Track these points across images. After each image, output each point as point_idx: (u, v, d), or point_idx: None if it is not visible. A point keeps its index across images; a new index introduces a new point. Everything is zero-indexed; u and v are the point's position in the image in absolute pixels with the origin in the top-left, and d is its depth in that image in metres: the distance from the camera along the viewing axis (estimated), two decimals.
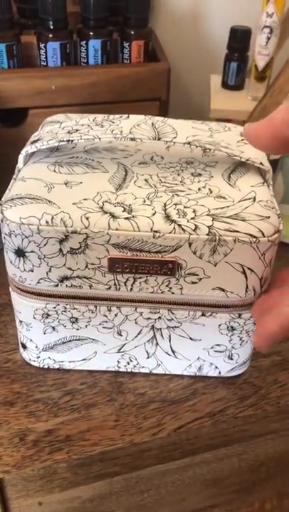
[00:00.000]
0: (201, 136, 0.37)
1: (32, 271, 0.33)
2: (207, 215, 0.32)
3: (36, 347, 0.39)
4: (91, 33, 0.54)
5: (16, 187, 0.34)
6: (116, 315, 0.36)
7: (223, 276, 0.33)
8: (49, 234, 0.31)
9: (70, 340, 0.38)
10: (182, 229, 0.31)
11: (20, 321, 0.38)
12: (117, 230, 0.31)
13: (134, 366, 0.40)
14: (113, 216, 0.31)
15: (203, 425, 0.39)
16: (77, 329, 0.37)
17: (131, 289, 0.34)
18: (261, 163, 0.36)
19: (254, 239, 0.31)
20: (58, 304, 0.36)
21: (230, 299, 0.34)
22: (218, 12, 0.82)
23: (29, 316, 0.37)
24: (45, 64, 0.54)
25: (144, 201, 0.33)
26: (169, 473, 0.43)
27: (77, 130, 0.37)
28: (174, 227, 0.31)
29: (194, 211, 0.32)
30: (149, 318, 0.36)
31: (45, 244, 0.32)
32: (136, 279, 0.33)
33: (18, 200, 0.33)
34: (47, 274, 0.33)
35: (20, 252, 0.32)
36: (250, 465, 0.47)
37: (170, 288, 0.34)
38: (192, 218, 0.31)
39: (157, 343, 0.38)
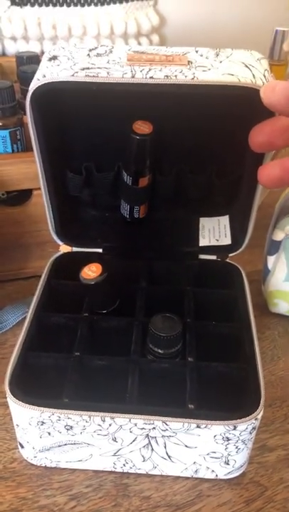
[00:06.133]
0: None
1: (59, 65, 0.37)
2: None
3: (33, 448, 0.39)
4: None
5: None
6: (110, 425, 0.35)
7: (229, 68, 0.37)
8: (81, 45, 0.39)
9: (65, 444, 0.38)
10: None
11: (17, 425, 0.38)
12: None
13: (131, 468, 0.39)
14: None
15: None
16: (73, 435, 0.37)
17: (147, 74, 0.36)
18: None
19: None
20: (53, 414, 0.35)
21: (242, 84, 0.35)
22: None
23: (25, 422, 0.37)
24: None
25: None
26: None
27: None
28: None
29: None
30: (143, 429, 0.35)
31: (76, 52, 0.39)
32: (151, 68, 0.36)
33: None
34: (71, 67, 0.37)
35: (53, 58, 0.38)
36: None
37: (184, 73, 0.36)
38: None
39: (153, 449, 0.37)
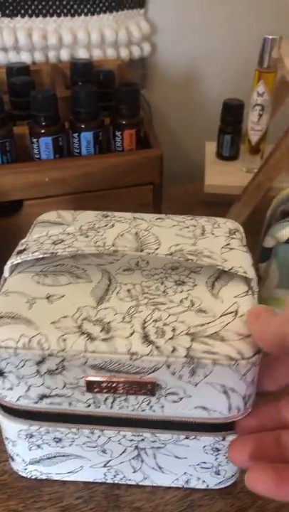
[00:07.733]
0: (184, 245, 0.37)
1: (11, 389, 0.33)
2: (186, 334, 0.31)
3: (23, 460, 0.39)
4: (82, 126, 0.55)
5: None
6: (99, 437, 0.35)
7: (204, 395, 0.32)
8: (26, 356, 0.31)
9: (55, 456, 0.38)
10: (160, 351, 0.30)
11: (6, 437, 0.38)
12: (93, 352, 0.31)
13: (121, 479, 0.39)
14: (90, 337, 0.31)
15: None
16: (62, 447, 0.37)
17: (111, 407, 0.33)
18: (245, 272, 0.36)
19: (233, 361, 0.30)
20: (41, 427, 0.35)
21: (213, 418, 0.33)
22: (211, 82, 0.83)
23: (14, 435, 0.37)
24: (38, 157, 0.55)
25: (124, 318, 0.32)
26: None
27: (62, 241, 0.37)
28: (152, 350, 0.30)
29: (173, 329, 0.32)
30: (132, 440, 0.35)
31: (22, 366, 0.32)
32: (116, 398, 0.33)
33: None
34: (26, 392, 0.33)
35: None
36: None
37: (151, 406, 0.33)
38: (170, 338, 0.31)
39: (142, 460, 0.37)
